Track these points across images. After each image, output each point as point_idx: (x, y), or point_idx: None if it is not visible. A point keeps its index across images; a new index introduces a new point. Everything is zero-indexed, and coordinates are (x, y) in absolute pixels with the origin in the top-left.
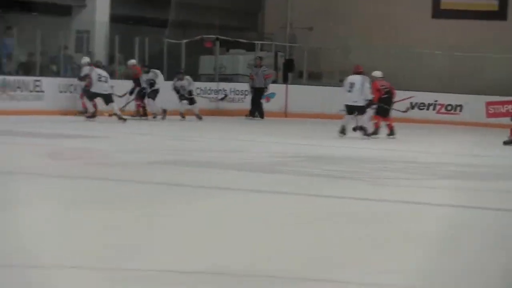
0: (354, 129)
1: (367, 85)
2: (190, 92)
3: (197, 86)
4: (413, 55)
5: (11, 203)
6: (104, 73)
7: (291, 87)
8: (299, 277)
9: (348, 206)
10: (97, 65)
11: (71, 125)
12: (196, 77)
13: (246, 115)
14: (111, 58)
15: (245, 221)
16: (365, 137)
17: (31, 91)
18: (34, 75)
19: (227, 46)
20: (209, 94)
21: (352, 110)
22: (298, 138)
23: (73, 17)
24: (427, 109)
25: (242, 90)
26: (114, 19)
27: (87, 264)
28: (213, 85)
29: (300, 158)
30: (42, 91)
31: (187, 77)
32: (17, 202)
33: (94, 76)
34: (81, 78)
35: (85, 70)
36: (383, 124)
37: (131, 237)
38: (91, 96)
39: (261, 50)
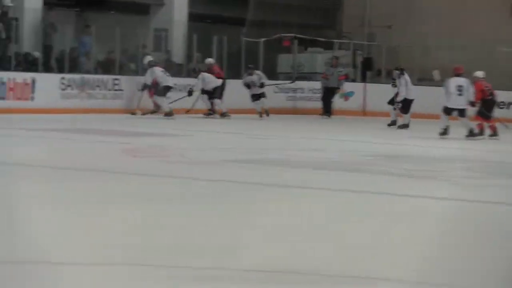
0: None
1: (472, 87)
2: (262, 84)
3: (275, 85)
4: (492, 53)
5: (94, 200)
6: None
7: (370, 85)
8: (398, 279)
9: (430, 205)
10: (155, 65)
11: (148, 123)
12: (274, 76)
13: (321, 114)
14: (189, 57)
15: (328, 220)
16: (472, 138)
17: (109, 90)
18: (113, 73)
19: (305, 44)
20: (286, 93)
21: (451, 111)
22: (376, 136)
23: (152, 16)
24: (507, 108)
25: (320, 89)
26: (192, 17)
27: (168, 262)
28: (291, 84)
29: (379, 157)
30: (121, 90)
31: (258, 71)
32: (99, 199)
33: (159, 73)
34: (144, 87)
35: (149, 73)
36: (486, 125)
37: (211, 235)
38: (162, 92)
39: (339, 48)
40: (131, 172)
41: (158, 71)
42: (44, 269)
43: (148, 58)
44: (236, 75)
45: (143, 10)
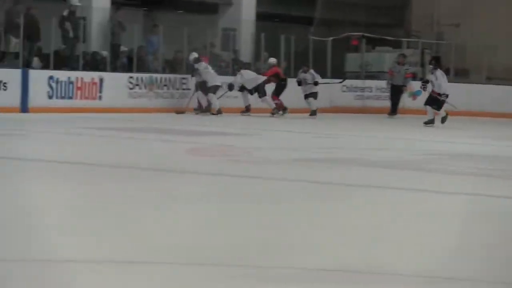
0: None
1: None
2: (316, 83)
3: (343, 84)
4: None
5: (163, 200)
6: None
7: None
8: (476, 279)
9: (499, 204)
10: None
11: (214, 122)
12: (342, 75)
13: (388, 113)
14: (256, 56)
15: (397, 220)
16: None
17: (177, 89)
18: (180, 73)
19: (373, 43)
20: (354, 92)
21: None
22: (443, 135)
23: (220, 15)
24: None
25: (387, 88)
26: (260, 17)
27: (238, 262)
28: (359, 83)
29: (444, 156)
30: (189, 89)
31: (311, 70)
32: (167, 199)
33: (207, 70)
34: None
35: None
36: None
37: (280, 234)
38: (210, 90)
39: (408, 47)
40: (199, 172)
41: (205, 67)
42: (111, 268)
43: (194, 55)
44: None
45: (212, 10)
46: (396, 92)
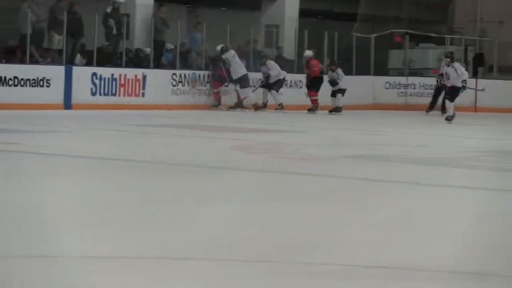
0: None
1: None
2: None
3: (386, 81)
4: None
5: (209, 197)
6: None
7: (481, 81)
8: None
9: None
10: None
11: (257, 118)
12: (385, 72)
13: (440, 110)
14: (300, 53)
15: (439, 217)
16: None
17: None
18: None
19: (416, 40)
20: (398, 88)
21: None
22: (488, 132)
23: (263, 12)
24: None
25: (432, 85)
26: (303, 13)
27: (286, 258)
28: (402, 80)
29: (490, 153)
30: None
31: (339, 69)
32: (214, 196)
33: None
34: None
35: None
36: None
37: (325, 230)
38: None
39: (451, 44)
40: (246, 169)
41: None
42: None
43: (220, 46)
44: (348, 71)
45: (255, 6)
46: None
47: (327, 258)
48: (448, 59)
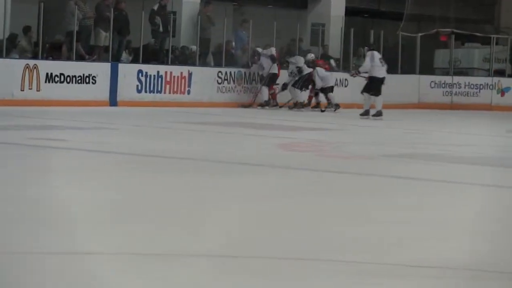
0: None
1: None
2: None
3: (431, 80)
4: None
5: (252, 194)
6: None
7: None
8: None
9: None
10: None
11: (298, 117)
12: (431, 71)
13: None
14: (345, 52)
15: (486, 217)
16: None
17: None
18: None
19: (462, 39)
20: (443, 88)
21: None
22: None
23: (309, 10)
24: None
25: (477, 84)
26: (350, 12)
27: (331, 257)
28: (448, 79)
29: None
30: (277, 84)
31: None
32: (257, 193)
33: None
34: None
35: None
36: None
37: (369, 229)
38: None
39: (497, 44)
40: (290, 167)
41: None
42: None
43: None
44: (393, 70)
45: (301, 5)
46: None
47: (370, 257)
48: (366, 47)
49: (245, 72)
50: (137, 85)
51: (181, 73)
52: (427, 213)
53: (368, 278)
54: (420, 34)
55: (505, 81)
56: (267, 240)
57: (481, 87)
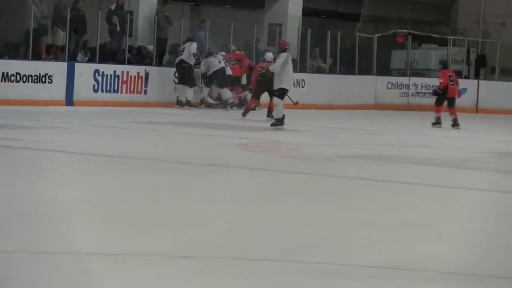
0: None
1: None
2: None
3: (388, 81)
4: None
5: (209, 195)
6: None
7: (483, 82)
8: None
9: None
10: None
11: (257, 117)
12: (388, 72)
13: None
14: (302, 52)
15: (440, 218)
16: None
17: None
18: None
19: (419, 40)
20: (400, 89)
21: None
22: (490, 134)
23: (266, 11)
24: None
25: (434, 86)
26: (307, 12)
27: (283, 257)
28: (404, 80)
29: (492, 154)
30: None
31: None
32: (214, 194)
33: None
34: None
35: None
36: None
37: (325, 230)
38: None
39: (453, 45)
40: (247, 167)
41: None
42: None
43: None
44: (351, 71)
45: (258, 5)
46: None
47: (325, 258)
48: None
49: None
50: (94, 85)
51: (138, 73)
52: (387, 214)
53: (323, 278)
54: (377, 35)
55: (461, 83)
56: (223, 240)
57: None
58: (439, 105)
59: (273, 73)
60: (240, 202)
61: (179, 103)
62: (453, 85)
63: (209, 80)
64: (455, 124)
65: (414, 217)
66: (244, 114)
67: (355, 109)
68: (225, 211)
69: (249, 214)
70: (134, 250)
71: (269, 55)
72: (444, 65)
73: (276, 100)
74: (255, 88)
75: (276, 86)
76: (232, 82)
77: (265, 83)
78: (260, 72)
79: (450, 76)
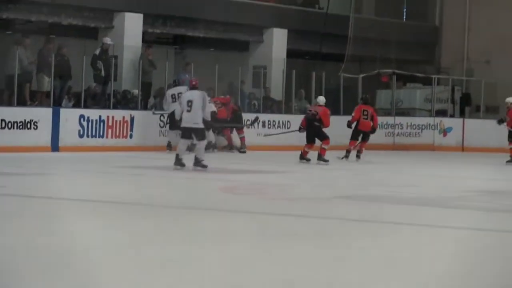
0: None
1: None
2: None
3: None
4: None
5: (194, 238)
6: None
7: (468, 121)
8: None
9: None
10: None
11: (241, 159)
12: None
13: None
14: (287, 93)
15: (425, 258)
16: None
17: None
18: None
19: (403, 80)
20: (385, 128)
21: None
22: (476, 172)
23: (251, 53)
24: None
25: (419, 125)
26: (291, 54)
27: None
28: (390, 120)
29: (479, 192)
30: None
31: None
32: (199, 237)
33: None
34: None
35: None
36: None
37: (312, 272)
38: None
39: (438, 84)
40: (232, 210)
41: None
42: None
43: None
44: (335, 111)
45: (243, 47)
46: None
47: None
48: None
49: None
50: (79, 130)
51: (123, 117)
52: (373, 255)
53: None
54: (361, 75)
55: (447, 121)
56: (217, 285)
57: (423, 127)
58: (352, 139)
59: (319, 117)
60: (227, 246)
61: (170, 147)
62: (365, 119)
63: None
64: (357, 155)
65: (403, 257)
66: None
67: (340, 149)
68: (213, 255)
69: (237, 257)
70: None
71: (321, 99)
72: (365, 100)
73: None
74: (306, 130)
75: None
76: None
77: (313, 126)
78: (309, 115)
79: (364, 110)
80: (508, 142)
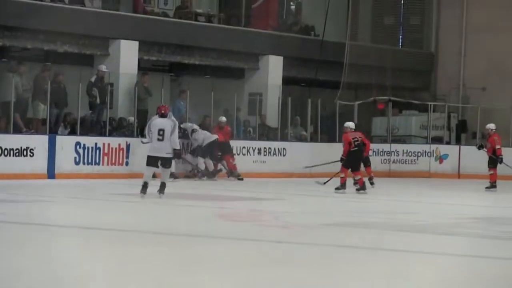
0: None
1: None
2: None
3: (369, 148)
4: None
5: (192, 266)
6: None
7: (464, 148)
8: None
9: None
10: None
11: (233, 186)
12: (369, 139)
13: None
14: (283, 120)
15: (422, 285)
16: None
17: None
18: None
19: (399, 107)
20: (381, 155)
21: None
22: (472, 199)
23: (246, 80)
24: None
25: (415, 152)
26: (287, 81)
27: None
28: (386, 147)
29: (475, 219)
30: (219, 154)
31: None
32: (197, 265)
33: None
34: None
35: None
36: None
37: None
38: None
39: (434, 111)
40: (228, 237)
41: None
42: None
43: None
44: (331, 139)
45: (238, 75)
46: None
47: None
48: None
49: (183, 143)
50: (75, 157)
51: (119, 144)
52: (370, 282)
53: None
54: (357, 102)
55: (443, 148)
56: None
57: (419, 154)
58: (353, 171)
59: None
60: (223, 273)
61: (173, 176)
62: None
63: (205, 151)
64: (371, 182)
65: (403, 285)
66: (339, 189)
67: (336, 176)
68: (209, 282)
69: (234, 284)
70: None
71: (351, 124)
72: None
73: None
74: (349, 158)
75: None
76: (224, 152)
77: (361, 153)
78: (356, 142)
79: (354, 139)
80: (488, 168)
